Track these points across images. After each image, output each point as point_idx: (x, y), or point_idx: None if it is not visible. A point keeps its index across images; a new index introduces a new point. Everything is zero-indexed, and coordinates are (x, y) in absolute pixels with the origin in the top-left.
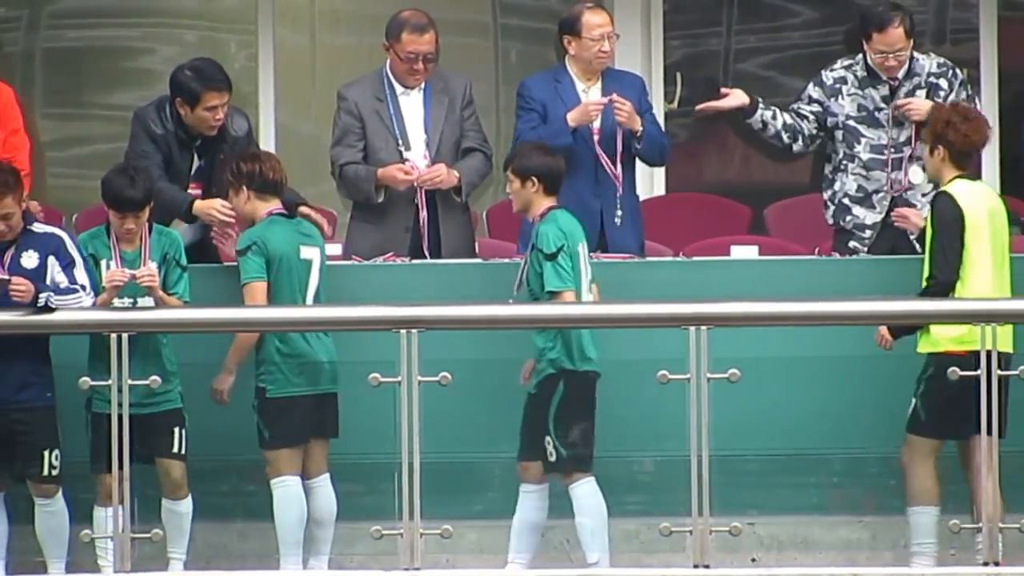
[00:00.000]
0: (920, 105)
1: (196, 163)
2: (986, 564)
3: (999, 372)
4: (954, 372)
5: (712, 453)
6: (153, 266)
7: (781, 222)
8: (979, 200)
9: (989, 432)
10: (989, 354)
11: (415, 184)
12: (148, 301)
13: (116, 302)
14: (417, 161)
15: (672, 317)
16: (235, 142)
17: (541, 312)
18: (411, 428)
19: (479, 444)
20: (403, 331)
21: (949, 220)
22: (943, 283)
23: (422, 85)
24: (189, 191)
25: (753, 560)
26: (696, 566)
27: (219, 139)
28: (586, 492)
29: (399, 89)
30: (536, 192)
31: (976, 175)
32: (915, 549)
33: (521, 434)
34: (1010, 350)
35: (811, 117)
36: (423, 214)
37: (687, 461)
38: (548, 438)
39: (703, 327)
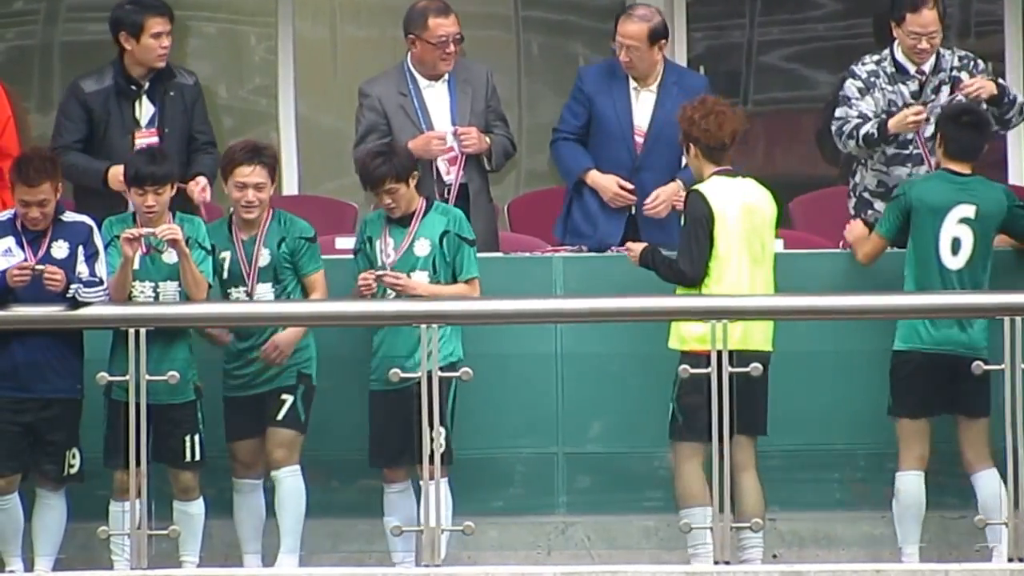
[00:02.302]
0: (985, 83)
1: (149, 110)
2: (1010, 560)
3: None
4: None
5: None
6: (175, 225)
7: (806, 215)
8: (734, 197)
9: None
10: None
11: (454, 137)
12: (169, 286)
13: (137, 286)
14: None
15: (695, 311)
16: (184, 89)
17: (562, 306)
18: (431, 423)
19: (500, 440)
20: (423, 326)
21: (698, 218)
22: (691, 279)
23: (446, 77)
24: (140, 140)
25: (775, 556)
26: (717, 562)
27: (166, 79)
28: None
29: (423, 83)
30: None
31: (738, 171)
32: (691, 552)
33: (396, 433)
34: (768, 348)
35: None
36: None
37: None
38: (441, 429)
39: (726, 321)
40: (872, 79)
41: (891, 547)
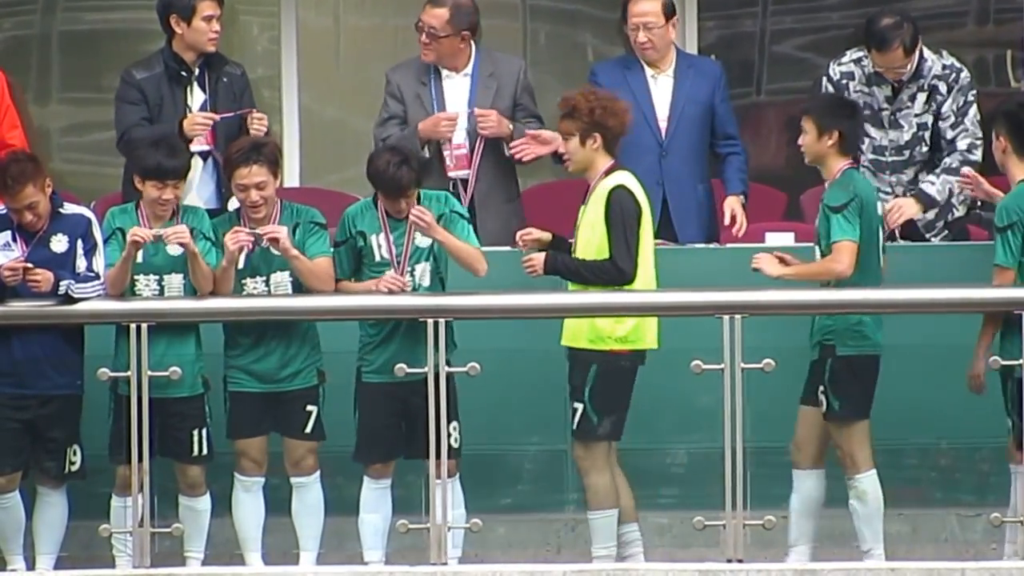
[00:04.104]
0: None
1: (200, 97)
2: None
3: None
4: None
5: (746, 445)
6: (183, 226)
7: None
8: (642, 194)
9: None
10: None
11: (473, 118)
12: (174, 279)
13: (141, 279)
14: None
15: (706, 305)
16: (233, 79)
17: (568, 301)
18: (438, 420)
19: (509, 437)
20: (430, 320)
21: (631, 215)
22: (628, 277)
23: (468, 69)
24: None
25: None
26: (730, 561)
27: (216, 67)
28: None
29: (444, 73)
30: None
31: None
32: (597, 553)
33: (417, 428)
34: (655, 347)
35: None
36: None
37: (721, 453)
38: (456, 424)
39: (737, 316)
40: (844, 81)
41: (906, 545)
